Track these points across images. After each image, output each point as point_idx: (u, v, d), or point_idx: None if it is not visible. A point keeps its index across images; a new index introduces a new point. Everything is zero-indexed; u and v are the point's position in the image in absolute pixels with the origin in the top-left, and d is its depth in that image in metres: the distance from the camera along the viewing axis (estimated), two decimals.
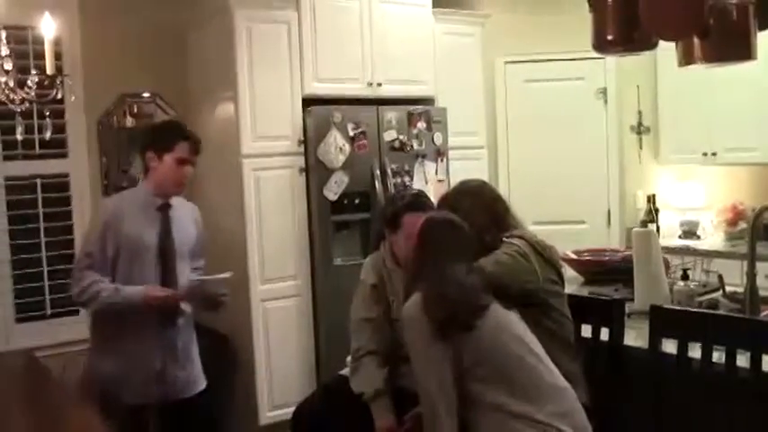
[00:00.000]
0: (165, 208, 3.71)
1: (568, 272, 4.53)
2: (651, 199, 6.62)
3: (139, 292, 3.53)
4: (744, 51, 3.31)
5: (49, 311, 5.18)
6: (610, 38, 3.51)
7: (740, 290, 3.79)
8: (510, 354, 2.74)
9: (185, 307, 3.71)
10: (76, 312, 5.23)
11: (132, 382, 3.57)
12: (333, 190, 5.16)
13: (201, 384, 3.85)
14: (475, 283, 2.83)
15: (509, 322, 2.82)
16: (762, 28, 3.33)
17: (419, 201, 3.64)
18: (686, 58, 3.45)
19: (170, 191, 3.72)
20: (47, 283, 5.16)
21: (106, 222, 3.59)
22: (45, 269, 5.15)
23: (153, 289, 3.55)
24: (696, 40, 3.33)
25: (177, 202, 3.79)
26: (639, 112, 6.80)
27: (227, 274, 3.72)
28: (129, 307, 3.52)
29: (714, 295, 3.97)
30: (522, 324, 2.85)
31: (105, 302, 3.53)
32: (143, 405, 3.62)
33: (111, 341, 3.62)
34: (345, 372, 3.75)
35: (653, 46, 3.55)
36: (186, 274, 3.75)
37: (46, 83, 3.34)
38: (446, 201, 3.33)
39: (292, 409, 4.01)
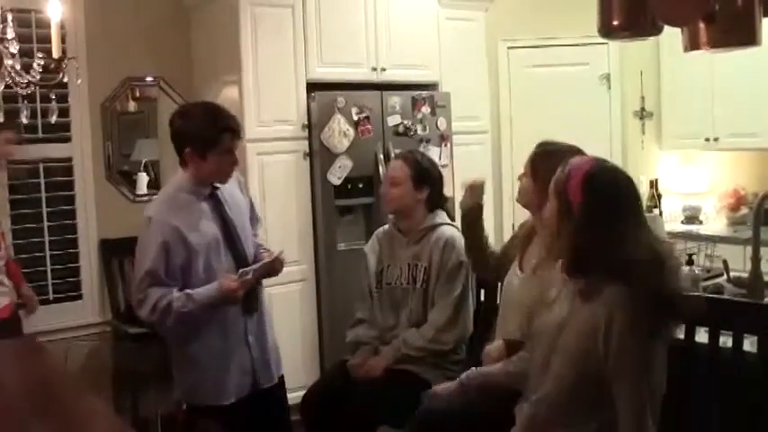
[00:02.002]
0: (213, 195, 3.47)
1: None
2: (654, 184, 6.64)
3: (214, 291, 3.31)
4: (749, 37, 3.30)
5: (51, 296, 5.18)
6: (616, 23, 3.50)
7: (744, 275, 3.80)
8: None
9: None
10: (79, 297, 5.27)
11: (229, 382, 3.47)
12: (337, 175, 5.16)
13: (281, 370, 3.74)
14: None
15: None
16: None
17: (407, 152, 4.06)
18: (692, 44, 3.45)
19: (221, 180, 3.47)
20: (49, 267, 5.16)
21: (163, 239, 3.28)
22: (48, 254, 5.15)
23: (224, 283, 3.31)
24: (702, 26, 3.32)
25: None
26: (642, 98, 6.81)
27: (277, 253, 3.58)
28: (208, 308, 3.33)
29: (718, 280, 3.98)
30: None
31: (181, 312, 3.28)
32: (236, 402, 3.49)
33: (201, 348, 3.44)
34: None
35: (658, 31, 3.54)
36: (251, 248, 3.61)
37: (52, 66, 3.32)
38: None
39: (296, 394, 4.05)
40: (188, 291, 3.31)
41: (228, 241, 3.45)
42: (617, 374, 2.36)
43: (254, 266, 3.42)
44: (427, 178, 3.82)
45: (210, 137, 3.32)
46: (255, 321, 3.57)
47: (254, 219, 3.78)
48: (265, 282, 4.86)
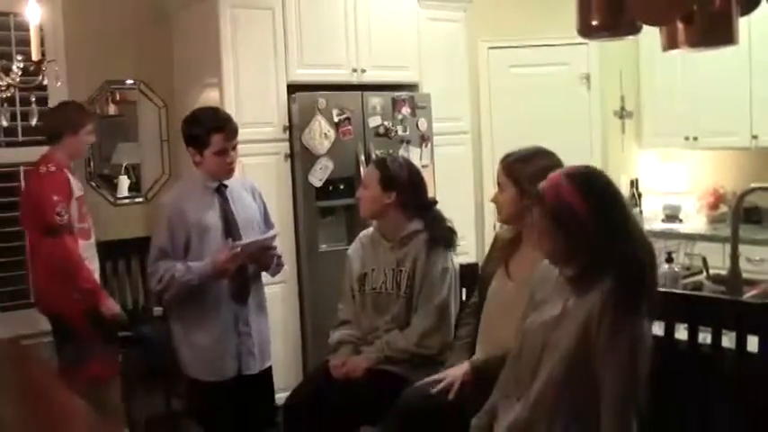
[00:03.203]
0: (221, 189, 3.85)
1: None
2: (634, 183, 6.68)
3: (208, 263, 3.68)
4: (726, 36, 3.32)
5: (32, 300, 5.15)
6: (594, 23, 3.51)
7: (723, 272, 3.83)
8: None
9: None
10: None
11: (214, 361, 3.79)
12: (318, 176, 5.17)
13: (269, 361, 4.03)
14: None
15: None
16: (744, 13, 3.35)
17: (381, 157, 4.23)
18: (670, 43, 3.47)
19: (222, 178, 3.85)
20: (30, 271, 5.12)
21: (170, 217, 3.77)
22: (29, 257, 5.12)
23: (216, 255, 3.67)
24: (680, 25, 3.35)
25: (232, 180, 3.91)
26: (622, 97, 6.84)
27: (271, 233, 3.87)
28: (204, 279, 3.70)
29: (698, 277, 4.02)
30: None
31: (181, 282, 3.69)
32: (219, 382, 3.79)
33: (192, 327, 3.81)
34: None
35: (637, 31, 3.56)
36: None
37: (32, 69, 3.32)
38: None
39: (279, 395, 4.05)
40: (188, 263, 3.72)
41: (227, 232, 3.77)
42: (605, 359, 2.40)
43: (244, 241, 3.72)
44: (394, 182, 3.80)
45: (203, 138, 3.74)
46: (249, 311, 3.86)
47: (268, 225, 4.05)
48: None
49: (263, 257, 3.86)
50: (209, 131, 3.72)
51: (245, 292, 3.85)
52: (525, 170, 3.22)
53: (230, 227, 3.80)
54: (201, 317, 3.78)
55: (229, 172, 3.83)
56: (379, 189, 3.80)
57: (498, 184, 3.33)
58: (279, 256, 3.96)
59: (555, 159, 3.27)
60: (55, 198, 4.26)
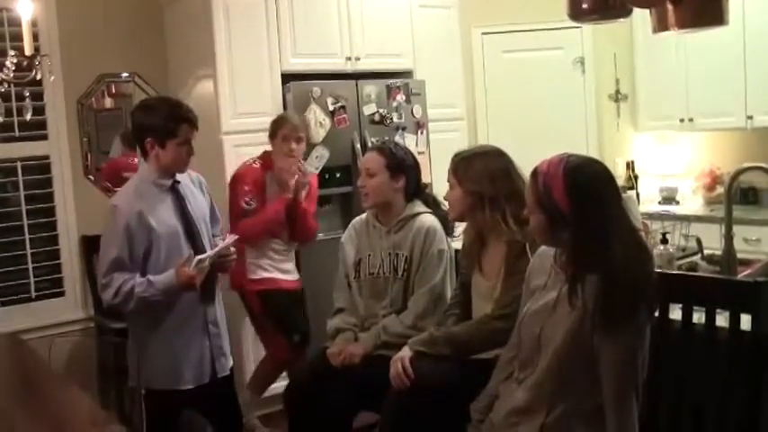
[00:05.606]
0: (174, 186, 3.62)
1: None
2: (630, 166, 6.70)
3: (171, 278, 3.42)
4: (716, 17, 3.33)
5: (33, 294, 5.19)
6: (585, 6, 3.53)
7: (718, 252, 3.85)
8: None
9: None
10: (61, 294, 5.28)
11: (188, 368, 3.60)
12: (314, 164, 5.15)
13: (231, 362, 3.85)
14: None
15: None
16: None
17: (380, 144, 4.17)
18: (660, 25, 3.48)
19: (178, 171, 3.62)
20: (31, 265, 5.17)
21: (127, 223, 3.43)
22: (28, 252, 5.16)
23: (180, 270, 3.42)
24: (669, 7, 3.35)
25: (181, 175, 3.69)
26: (617, 80, 6.86)
27: (231, 239, 3.72)
28: (170, 295, 3.46)
29: (693, 258, 4.04)
30: None
31: (142, 296, 3.42)
32: (195, 388, 3.62)
33: (160, 334, 3.56)
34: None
35: (627, 13, 3.57)
36: (209, 244, 3.69)
37: (25, 64, 3.33)
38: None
39: (279, 384, 4.07)
40: (149, 277, 3.45)
41: (188, 234, 3.59)
42: (603, 352, 2.44)
43: (210, 253, 3.54)
44: (402, 166, 3.80)
45: (169, 127, 3.51)
46: (214, 310, 3.70)
47: (214, 219, 3.88)
48: None
49: (224, 262, 3.69)
50: (178, 121, 3.51)
51: (212, 293, 3.69)
52: (468, 170, 3.31)
53: (191, 228, 3.60)
54: (169, 323, 3.56)
55: (188, 162, 3.62)
56: (387, 175, 3.78)
57: (448, 182, 3.39)
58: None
59: (503, 160, 3.36)
60: (246, 188, 4.65)
